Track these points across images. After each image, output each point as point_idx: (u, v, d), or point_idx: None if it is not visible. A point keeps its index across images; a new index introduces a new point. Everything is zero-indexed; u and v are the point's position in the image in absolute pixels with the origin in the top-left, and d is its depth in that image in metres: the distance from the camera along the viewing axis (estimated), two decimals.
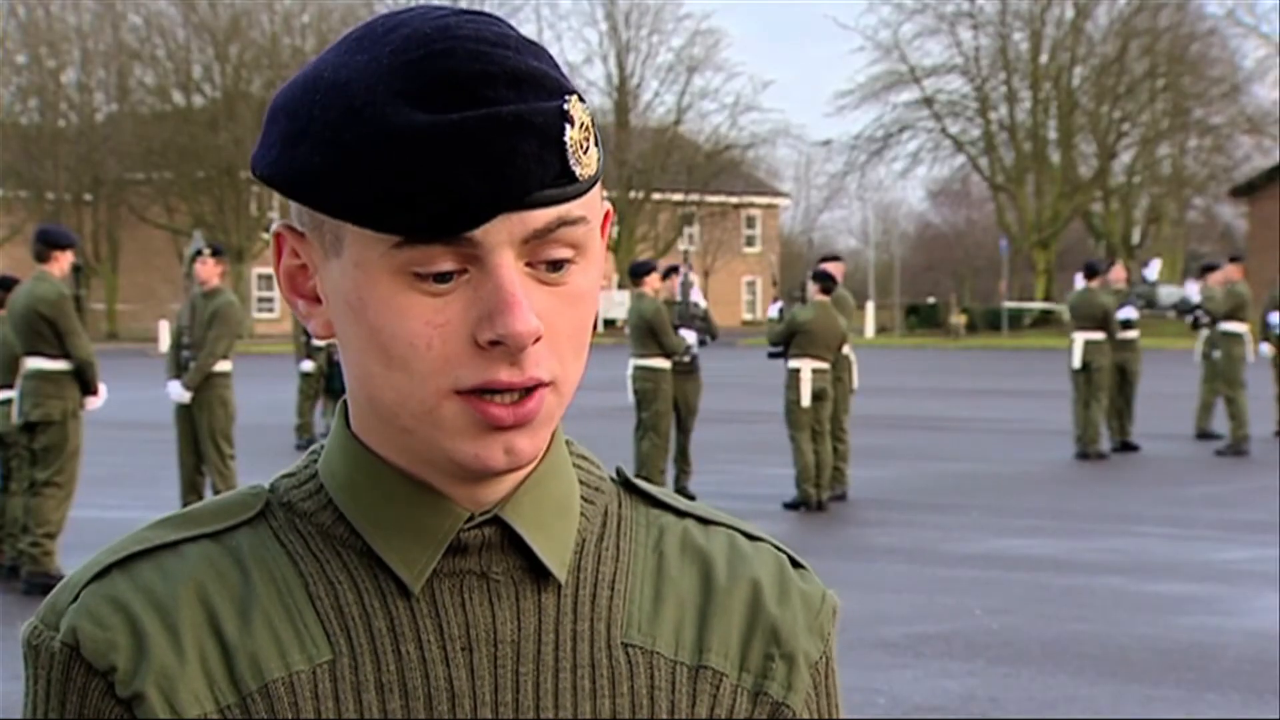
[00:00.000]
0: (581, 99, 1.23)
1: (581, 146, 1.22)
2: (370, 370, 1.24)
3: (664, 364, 15.51)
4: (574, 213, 1.23)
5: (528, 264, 1.23)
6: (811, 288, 15.72)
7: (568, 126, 1.21)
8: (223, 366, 12.98)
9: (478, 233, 1.20)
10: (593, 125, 1.24)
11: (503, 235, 1.20)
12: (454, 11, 1.26)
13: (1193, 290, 22.18)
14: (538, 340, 1.22)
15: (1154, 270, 21.77)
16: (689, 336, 15.98)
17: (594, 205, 1.26)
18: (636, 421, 15.61)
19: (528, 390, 1.23)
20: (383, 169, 1.19)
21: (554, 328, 1.23)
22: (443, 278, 1.21)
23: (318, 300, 1.29)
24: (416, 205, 1.19)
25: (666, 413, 15.52)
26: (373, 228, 1.21)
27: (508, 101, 1.20)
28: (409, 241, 1.20)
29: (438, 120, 1.19)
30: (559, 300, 1.24)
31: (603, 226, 1.32)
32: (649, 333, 15.43)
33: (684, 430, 16.11)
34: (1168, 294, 21.83)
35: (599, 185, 1.27)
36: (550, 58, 1.25)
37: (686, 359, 15.79)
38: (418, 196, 1.19)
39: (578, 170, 1.22)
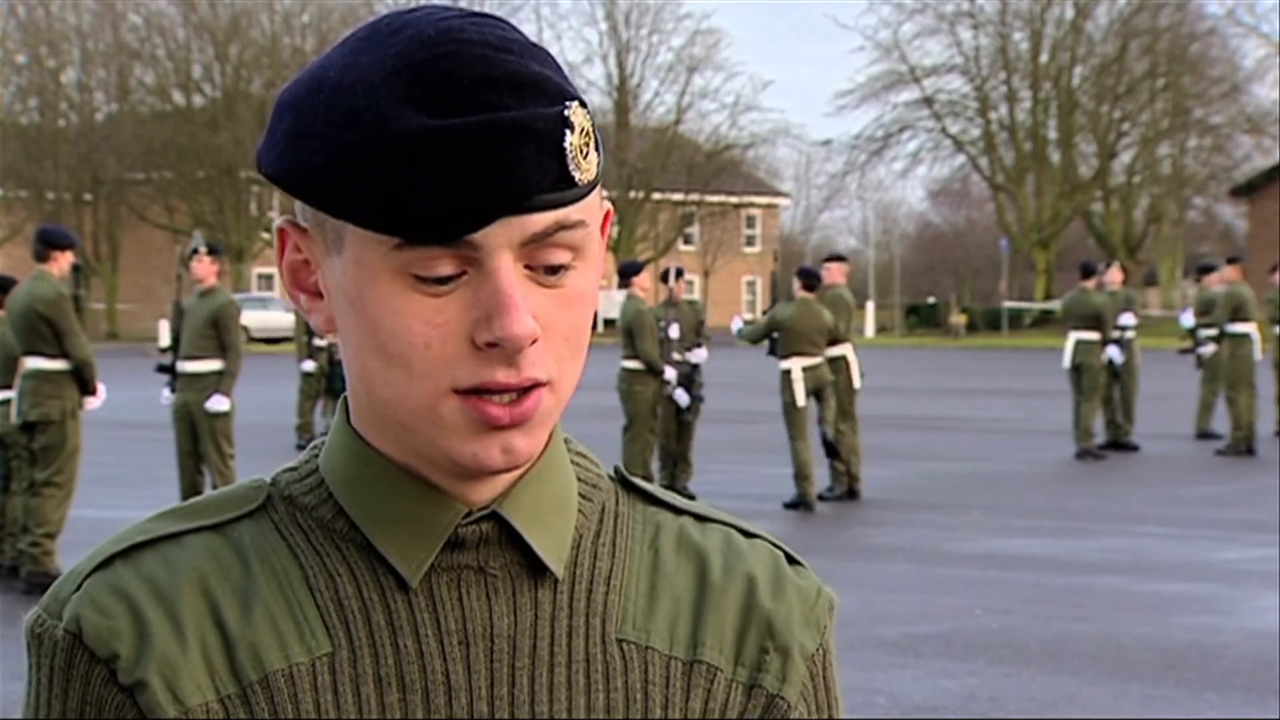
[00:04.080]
0: (583, 104, 1.24)
1: (581, 152, 1.23)
2: (369, 366, 1.25)
3: (638, 366, 15.51)
4: (572, 217, 1.24)
5: (527, 266, 1.24)
6: (795, 284, 15.72)
7: (568, 133, 1.22)
8: (221, 366, 12.96)
9: (477, 236, 1.21)
10: (593, 130, 1.25)
11: (501, 239, 1.22)
12: (459, 14, 1.27)
13: (1188, 317, 22.16)
14: (535, 342, 1.23)
15: (1188, 318, 21.91)
16: (701, 354, 16.08)
17: (593, 209, 1.27)
18: (625, 422, 15.67)
19: (525, 390, 1.24)
20: (384, 172, 1.20)
21: (551, 328, 1.25)
22: (442, 280, 1.22)
23: (319, 295, 1.30)
24: (416, 209, 1.20)
25: (642, 415, 15.50)
26: (373, 229, 1.22)
27: (509, 107, 1.21)
28: (409, 243, 1.22)
29: (439, 125, 1.20)
30: (556, 302, 1.25)
31: (603, 226, 1.33)
32: (628, 335, 15.48)
33: (682, 437, 16.11)
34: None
35: (599, 188, 1.28)
36: (554, 62, 1.26)
37: (683, 362, 15.84)
38: (418, 200, 1.20)
39: (577, 175, 1.23)
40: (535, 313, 1.23)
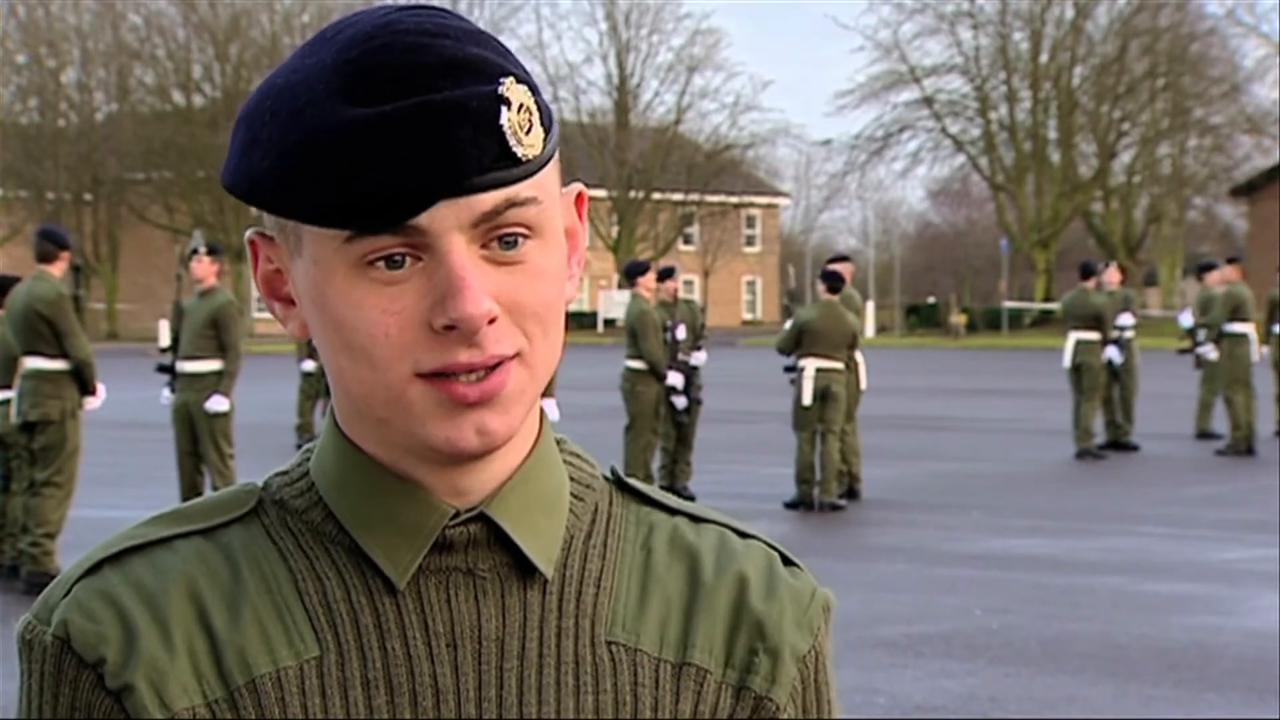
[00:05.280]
0: (522, 80, 1.23)
1: (521, 128, 1.22)
2: (340, 364, 1.26)
3: (642, 366, 15.51)
4: (522, 194, 1.23)
5: (483, 247, 1.23)
6: (819, 287, 15.77)
7: (504, 109, 1.21)
8: (220, 366, 12.96)
9: (424, 220, 1.21)
10: (536, 106, 1.24)
11: (449, 221, 1.21)
12: (401, 7, 1.27)
13: (1186, 317, 22.16)
14: (493, 321, 1.22)
15: (1187, 317, 21.95)
16: (699, 356, 16.11)
17: (546, 185, 1.26)
18: (627, 422, 15.67)
19: (492, 366, 1.23)
20: (323, 167, 1.21)
21: (516, 304, 1.23)
22: (394, 262, 1.22)
23: (293, 303, 1.30)
24: (358, 199, 1.20)
25: (644, 415, 15.50)
26: (320, 225, 1.22)
27: (443, 89, 1.21)
28: (358, 235, 1.21)
29: (371, 113, 1.20)
30: (519, 278, 1.24)
31: (578, 208, 1.32)
32: (632, 335, 15.49)
33: (681, 439, 16.11)
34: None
35: (553, 164, 1.27)
36: (497, 45, 1.26)
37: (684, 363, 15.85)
38: (358, 190, 1.20)
39: (519, 151, 1.22)
40: (496, 292, 1.22)
